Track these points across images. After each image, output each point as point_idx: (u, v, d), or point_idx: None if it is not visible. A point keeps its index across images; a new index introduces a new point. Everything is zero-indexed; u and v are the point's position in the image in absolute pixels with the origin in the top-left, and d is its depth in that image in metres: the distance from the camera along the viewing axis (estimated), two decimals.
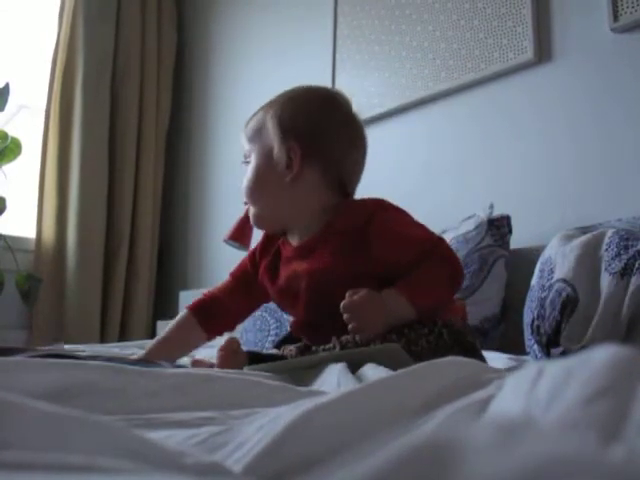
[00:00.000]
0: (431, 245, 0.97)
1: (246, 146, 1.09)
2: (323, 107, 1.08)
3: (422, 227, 1.01)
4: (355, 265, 0.97)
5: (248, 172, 1.07)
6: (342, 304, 0.90)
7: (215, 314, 1.15)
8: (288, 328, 1.67)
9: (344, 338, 0.90)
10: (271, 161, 1.04)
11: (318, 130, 1.04)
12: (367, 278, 0.95)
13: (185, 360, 1.24)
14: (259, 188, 1.06)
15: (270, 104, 1.09)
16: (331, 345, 0.91)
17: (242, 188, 1.08)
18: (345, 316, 0.90)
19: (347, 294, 0.90)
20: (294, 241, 1.07)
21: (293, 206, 1.05)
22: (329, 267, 0.98)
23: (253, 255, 1.16)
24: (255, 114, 1.11)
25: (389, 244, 0.96)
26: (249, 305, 1.19)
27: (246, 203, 1.12)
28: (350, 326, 0.90)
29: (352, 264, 0.97)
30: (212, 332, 1.16)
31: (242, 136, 1.11)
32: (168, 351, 1.11)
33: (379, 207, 1.02)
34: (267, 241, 1.14)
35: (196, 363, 1.05)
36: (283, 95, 1.11)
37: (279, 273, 1.07)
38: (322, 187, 1.04)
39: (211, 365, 1.01)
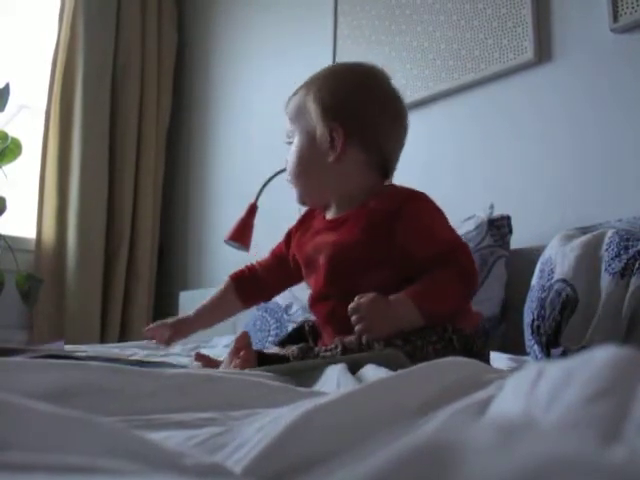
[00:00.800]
0: (451, 248, 0.96)
1: (288, 125, 1.10)
2: (364, 85, 1.08)
3: (451, 230, 1.02)
4: (377, 247, 0.98)
5: (291, 152, 1.09)
6: (350, 306, 0.90)
7: (252, 287, 1.22)
8: (288, 329, 1.68)
9: (347, 340, 0.91)
10: (314, 141, 1.05)
11: (360, 109, 1.05)
12: (385, 264, 0.96)
13: (186, 361, 1.25)
14: (302, 168, 1.08)
15: (310, 82, 1.09)
16: (333, 346, 0.91)
17: (287, 167, 1.10)
18: (353, 318, 0.90)
19: (356, 297, 0.91)
20: (329, 215, 1.10)
21: (336, 185, 1.06)
22: (353, 242, 1.00)
23: (289, 235, 1.20)
24: (295, 93, 1.11)
25: (413, 234, 0.97)
26: (284, 282, 1.24)
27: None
28: (357, 327, 0.90)
29: (375, 245, 0.98)
30: (248, 302, 1.25)
31: (285, 113, 1.11)
32: (210, 315, 1.22)
33: (416, 197, 1.03)
34: (304, 217, 1.18)
35: (199, 358, 1.05)
36: (323, 72, 1.11)
37: (309, 243, 1.10)
38: (364, 167, 1.06)
39: (214, 363, 1.01)
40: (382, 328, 0.89)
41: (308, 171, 1.08)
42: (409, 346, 0.88)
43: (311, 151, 1.06)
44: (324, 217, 1.11)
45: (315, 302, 1.07)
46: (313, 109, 1.05)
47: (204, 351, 1.29)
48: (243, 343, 0.91)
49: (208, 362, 1.03)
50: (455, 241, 0.99)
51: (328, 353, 0.89)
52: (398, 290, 0.93)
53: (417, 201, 1.02)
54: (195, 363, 1.06)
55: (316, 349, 0.93)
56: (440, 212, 1.03)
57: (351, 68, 1.12)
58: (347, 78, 1.08)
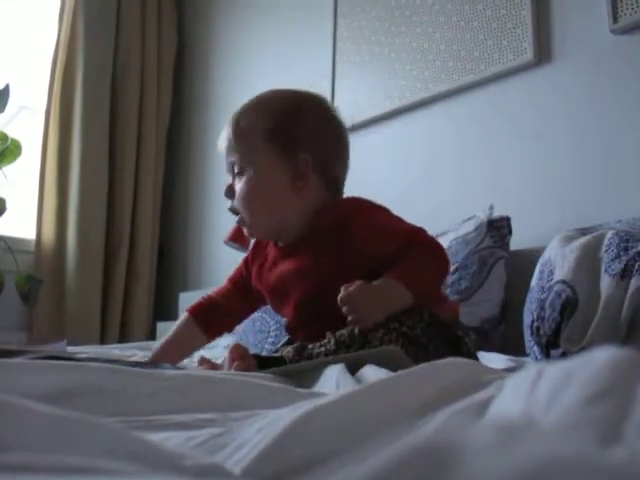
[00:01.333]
0: (413, 234, 0.98)
1: (235, 151, 1.05)
2: (320, 116, 1.08)
3: (400, 220, 1.03)
4: (338, 262, 0.98)
5: (248, 181, 1.04)
6: (339, 297, 0.89)
7: (213, 317, 1.18)
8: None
9: (339, 333, 0.90)
10: (275, 172, 1.03)
11: (322, 143, 1.05)
12: (352, 273, 0.95)
13: (186, 361, 1.24)
14: (262, 202, 1.04)
15: (263, 110, 1.07)
16: (326, 340, 0.90)
17: (238, 199, 1.05)
18: (344, 309, 0.89)
19: (342, 287, 0.90)
20: (281, 242, 1.09)
21: (296, 214, 1.04)
22: (312, 265, 1.00)
23: (246, 261, 1.18)
24: (245, 116, 1.07)
25: (373, 238, 0.97)
26: (246, 308, 1.21)
27: (236, 213, 1.08)
28: (350, 318, 0.89)
29: (335, 261, 0.98)
30: (211, 334, 1.19)
31: (227, 136, 1.07)
32: (172, 354, 1.15)
33: (358, 206, 1.03)
34: (257, 246, 1.16)
35: (204, 362, 1.05)
36: (274, 100, 1.09)
37: (269, 275, 1.08)
38: (323, 191, 1.06)
39: (215, 366, 1.01)
40: (375, 314, 0.89)
41: (268, 204, 1.04)
42: (404, 327, 0.88)
43: (273, 181, 1.03)
44: (275, 245, 1.09)
45: (292, 329, 1.07)
46: (265, 141, 1.03)
47: (204, 353, 1.29)
48: (237, 354, 0.90)
49: (212, 366, 1.03)
50: (412, 227, 1.00)
51: (322, 349, 0.89)
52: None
53: (362, 211, 1.01)
54: (199, 367, 1.06)
55: (309, 347, 0.92)
56: (386, 210, 1.04)
57: (305, 97, 1.11)
58: (305, 108, 1.07)
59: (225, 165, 1.08)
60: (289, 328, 1.08)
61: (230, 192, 1.07)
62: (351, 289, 0.89)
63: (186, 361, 1.26)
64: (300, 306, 1.02)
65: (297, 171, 1.02)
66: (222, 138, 1.08)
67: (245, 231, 1.10)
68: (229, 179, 1.08)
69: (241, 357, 0.89)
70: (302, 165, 1.02)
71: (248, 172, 1.04)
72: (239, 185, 1.05)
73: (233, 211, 1.08)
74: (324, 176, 1.05)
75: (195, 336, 1.17)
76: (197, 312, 1.18)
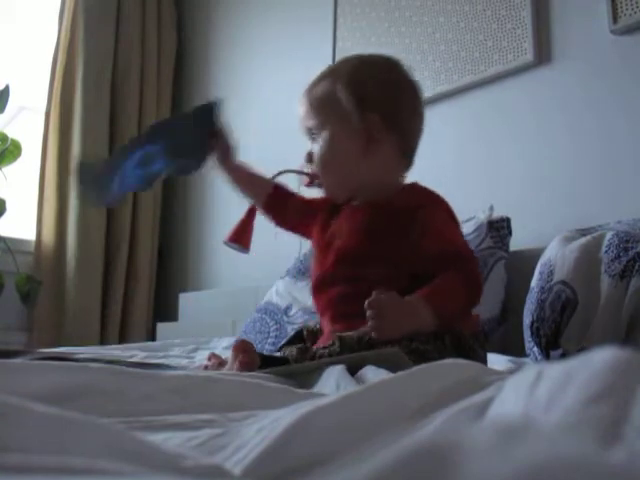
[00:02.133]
0: (457, 251, 0.98)
1: (308, 115, 1.09)
2: (393, 76, 1.09)
3: (461, 238, 1.04)
4: (391, 241, 1.00)
5: (322, 144, 1.07)
6: (368, 300, 0.88)
7: (281, 202, 1.23)
8: (288, 330, 1.68)
9: (347, 335, 0.91)
10: (349, 133, 1.05)
11: (395, 100, 1.06)
12: (393, 258, 0.98)
13: (186, 362, 1.25)
14: (336, 160, 1.07)
15: (336, 72, 1.09)
16: (330, 342, 0.90)
17: (316, 159, 1.08)
18: (368, 313, 0.88)
19: (375, 292, 0.89)
20: (354, 202, 1.11)
21: (368, 177, 1.07)
22: (365, 231, 1.02)
23: (323, 203, 1.18)
24: (317, 82, 1.10)
25: (424, 233, 0.98)
26: (293, 221, 1.24)
27: (315, 177, 1.11)
28: (370, 323, 0.88)
29: (390, 239, 1.00)
30: (268, 208, 1.25)
31: (304, 105, 1.10)
32: (250, 176, 1.26)
33: (436, 202, 1.05)
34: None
35: (213, 357, 1.07)
36: (348, 64, 1.12)
37: (331, 223, 1.11)
38: (396, 158, 1.08)
39: (223, 361, 1.02)
40: (392, 331, 0.88)
41: (341, 165, 1.07)
42: (414, 343, 0.88)
43: (346, 142, 1.05)
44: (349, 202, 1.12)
45: (319, 286, 1.08)
46: (347, 100, 1.04)
47: (204, 353, 1.30)
48: (242, 348, 0.91)
49: (220, 361, 1.04)
50: (463, 247, 1.01)
51: (326, 351, 0.89)
52: (402, 285, 0.94)
53: (436, 206, 1.04)
54: (206, 362, 1.07)
55: (313, 349, 0.92)
56: (456, 222, 1.05)
57: (375, 60, 1.14)
58: (376, 69, 1.09)
59: (304, 132, 1.12)
60: (317, 282, 1.09)
61: (308, 156, 1.10)
62: (382, 296, 0.88)
63: (186, 362, 1.26)
64: (339, 262, 1.04)
65: (368, 133, 1.04)
66: (300, 108, 1.11)
67: (323, 191, 1.12)
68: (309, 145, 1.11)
69: (245, 351, 0.89)
70: (373, 127, 1.03)
71: (323, 137, 1.07)
72: (316, 149, 1.08)
73: (313, 176, 1.11)
74: (400, 135, 1.06)
75: (262, 192, 1.24)
76: (278, 189, 1.24)
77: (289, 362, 0.89)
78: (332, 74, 1.09)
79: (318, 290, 1.08)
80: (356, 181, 1.08)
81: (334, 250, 1.05)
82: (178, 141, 1.17)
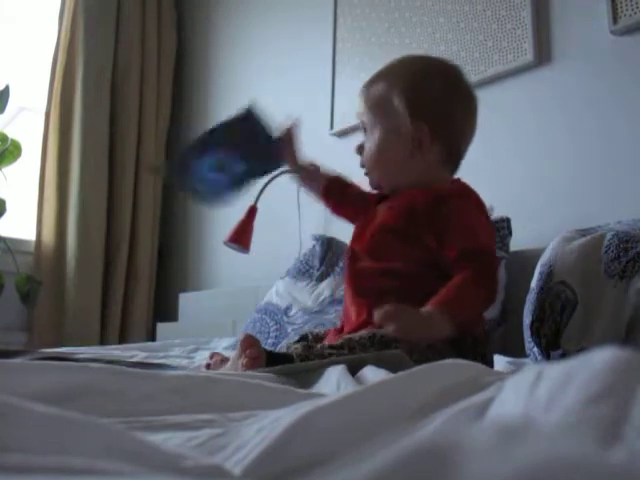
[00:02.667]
0: (478, 247, 0.99)
1: (364, 111, 1.15)
2: (448, 86, 1.12)
3: (487, 235, 1.05)
4: (415, 228, 1.04)
5: (373, 141, 1.13)
6: (383, 310, 0.86)
7: (339, 190, 1.29)
8: (288, 330, 1.68)
9: (357, 335, 0.92)
10: (398, 136, 1.10)
11: (447, 112, 1.11)
12: (418, 246, 1.03)
13: (186, 362, 1.24)
14: (383, 161, 1.14)
15: (394, 75, 1.14)
16: (339, 343, 0.91)
17: (365, 157, 1.15)
18: (378, 316, 0.86)
19: (391, 304, 0.87)
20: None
21: (413, 176, 1.11)
22: (398, 217, 1.08)
23: (375, 195, 1.23)
24: (376, 82, 1.15)
25: (450, 225, 1.01)
26: (351, 211, 1.28)
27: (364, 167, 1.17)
28: (389, 328, 0.86)
29: (414, 226, 1.04)
30: (327, 195, 1.30)
31: (361, 100, 1.16)
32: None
33: (463, 194, 1.08)
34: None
35: (214, 355, 1.08)
36: (406, 66, 1.17)
37: (376, 208, 1.16)
38: (441, 165, 1.12)
39: (225, 359, 1.02)
40: (409, 334, 0.88)
41: (388, 164, 1.13)
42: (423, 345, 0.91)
43: (394, 146, 1.11)
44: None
45: (351, 262, 1.14)
46: (400, 106, 1.09)
47: (204, 353, 1.30)
48: (248, 343, 0.91)
49: (222, 359, 1.04)
50: (485, 243, 1.02)
51: (334, 351, 0.89)
52: (424, 274, 1.00)
53: (464, 198, 1.07)
54: (207, 360, 1.08)
55: (319, 346, 0.93)
56: (483, 214, 1.08)
57: (435, 64, 1.17)
58: (434, 76, 1.13)
59: (360, 125, 1.19)
60: (352, 253, 1.14)
61: (358, 148, 1.18)
62: (399, 310, 0.86)
63: (186, 362, 1.26)
64: (372, 241, 1.09)
65: (416, 138, 1.08)
66: (359, 102, 1.18)
67: (369, 181, 1.19)
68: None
69: (252, 345, 0.90)
70: (422, 135, 1.08)
71: (375, 134, 1.13)
72: (367, 144, 1.15)
73: (362, 166, 1.19)
74: (445, 146, 1.11)
75: (322, 174, 1.30)
76: (336, 180, 1.30)
77: (293, 359, 0.89)
78: (391, 76, 1.14)
79: (351, 261, 1.13)
80: (400, 179, 1.13)
81: (374, 225, 1.11)
82: (245, 144, 1.23)
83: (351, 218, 1.29)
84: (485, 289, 0.97)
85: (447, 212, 1.02)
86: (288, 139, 1.25)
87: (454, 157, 1.15)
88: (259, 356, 0.88)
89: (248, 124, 1.22)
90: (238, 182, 1.24)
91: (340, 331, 1.08)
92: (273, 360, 0.88)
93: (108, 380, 0.51)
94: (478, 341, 0.99)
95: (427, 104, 1.09)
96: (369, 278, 1.07)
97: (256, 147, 1.24)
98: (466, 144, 1.16)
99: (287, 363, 0.86)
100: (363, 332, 0.94)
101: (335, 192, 1.29)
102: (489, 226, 1.09)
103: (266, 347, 1.50)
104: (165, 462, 0.29)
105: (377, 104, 1.13)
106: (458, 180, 1.15)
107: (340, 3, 2.39)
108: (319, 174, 1.30)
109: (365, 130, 1.17)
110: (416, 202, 1.06)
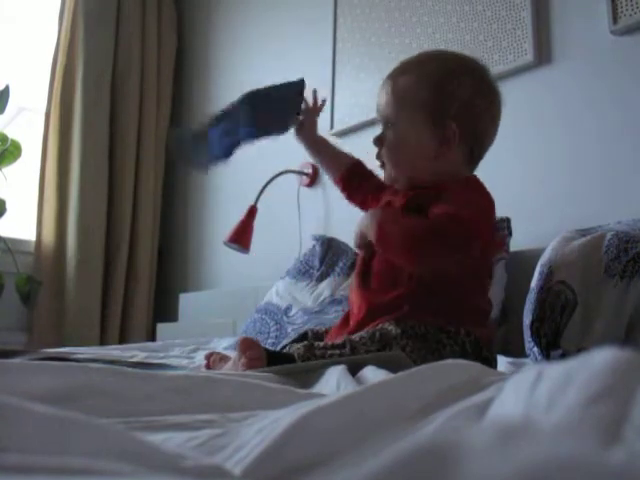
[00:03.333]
0: (455, 214, 0.96)
1: (391, 107, 1.11)
2: (478, 86, 1.10)
3: (478, 210, 1.01)
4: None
5: (397, 134, 1.10)
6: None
7: (359, 175, 1.31)
8: (288, 330, 1.68)
9: (357, 336, 0.93)
10: (423, 134, 1.08)
11: (473, 112, 1.08)
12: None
13: (185, 362, 1.24)
14: (405, 155, 1.11)
15: (423, 70, 1.11)
16: (341, 343, 0.91)
17: (386, 149, 1.12)
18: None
19: None
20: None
21: (433, 174, 1.09)
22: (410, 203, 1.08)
23: (383, 186, 1.23)
24: (402, 74, 1.12)
25: (441, 201, 1.01)
26: (364, 199, 1.29)
27: (380, 159, 1.16)
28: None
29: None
30: (344, 181, 1.31)
31: (386, 92, 1.12)
32: (330, 149, 1.36)
33: (466, 183, 1.07)
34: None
35: (213, 354, 1.08)
36: (436, 63, 1.12)
37: (388, 199, 1.16)
38: (464, 162, 1.11)
39: (224, 357, 1.02)
40: (368, 232, 1.01)
41: (411, 160, 1.10)
42: (424, 348, 0.91)
43: (420, 142, 1.08)
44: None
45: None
46: (430, 103, 1.07)
47: (204, 353, 1.30)
48: (247, 344, 0.91)
49: (220, 357, 1.04)
50: (469, 216, 0.96)
51: (337, 351, 0.90)
52: None
53: (463, 186, 1.05)
54: (205, 362, 1.08)
55: (320, 344, 0.93)
56: (482, 195, 1.05)
57: (465, 64, 1.13)
58: (465, 75, 1.09)
59: (379, 117, 1.16)
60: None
61: (377, 139, 1.14)
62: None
63: (186, 362, 1.26)
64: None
65: (444, 138, 1.06)
66: (381, 90, 1.14)
67: (384, 174, 1.17)
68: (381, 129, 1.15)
69: (251, 348, 0.89)
70: (450, 134, 1.06)
71: (399, 128, 1.10)
72: (389, 137, 1.11)
73: (378, 158, 1.15)
74: (469, 146, 1.09)
75: (343, 159, 1.33)
76: (359, 164, 1.33)
77: (294, 359, 0.89)
78: (420, 69, 1.11)
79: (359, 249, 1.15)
80: (421, 176, 1.11)
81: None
82: (268, 109, 1.26)
83: (365, 207, 1.29)
84: (439, 242, 0.94)
85: (445, 195, 1.01)
86: (312, 110, 1.29)
87: (476, 157, 1.13)
88: (259, 357, 0.88)
89: (285, 91, 1.27)
90: (230, 148, 1.25)
91: (345, 320, 1.08)
92: (274, 360, 0.88)
93: (108, 380, 0.51)
94: (479, 344, 0.98)
95: (458, 105, 1.06)
96: (377, 268, 1.07)
97: (275, 112, 1.27)
98: (489, 145, 1.14)
99: (288, 363, 0.86)
100: (362, 333, 0.94)
101: (355, 178, 1.29)
102: (485, 207, 1.04)
103: (266, 346, 1.50)
104: (165, 462, 0.29)
105: (405, 97, 1.09)
106: (473, 176, 1.12)
107: (340, 3, 2.39)
108: (339, 153, 1.33)
109: (386, 122, 1.12)
110: (423, 198, 1.06)
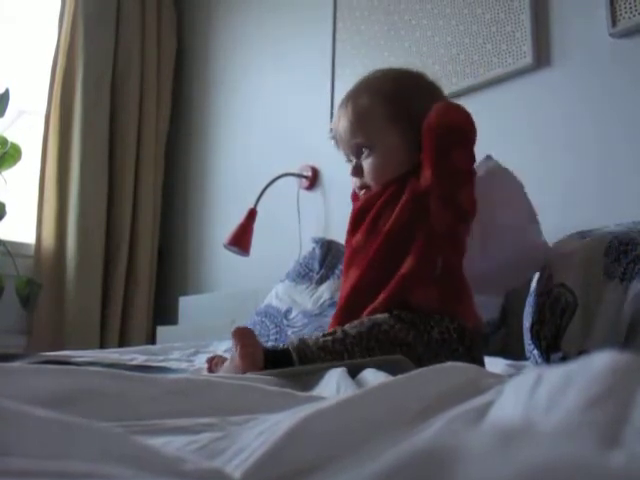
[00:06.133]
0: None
1: (358, 134, 1.13)
2: (419, 88, 1.17)
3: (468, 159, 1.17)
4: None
5: (377, 160, 1.12)
6: None
7: None
8: (288, 333, 1.68)
9: (348, 325, 0.95)
10: (403, 148, 1.11)
11: (421, 112, 1.11)
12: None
13: (185, 365, 1.24)
14: (393, 171, 1.12)
15: (362, 97, 1.14)
16: (332, 330, 0.95)
17: (371, 174, 1.13)
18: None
19: None
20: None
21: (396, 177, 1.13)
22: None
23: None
24: (357, 98, 1.14)
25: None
26: None
27: (366, 187, 1.16)
28: None
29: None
30: None
31: (347, 122, 1.14)
32: None
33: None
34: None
35: (215, 357, 1.08)
36: (382, 80, 1.16)
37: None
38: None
39: (225, 360, 1.02)
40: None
41: (397, 171, 1.12)
42: (412, 332, 0.93)
43: (401, 158, 1.12)
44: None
45: (357, 251, 1.14)
46: (387, 120, 1.11)
47: (204, 356, 1.30)
48: (241, 332, 0.93)
49: (221, 361, 1.04)
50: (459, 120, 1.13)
51: (329, 337, 0.92)
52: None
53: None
54: (207, 365, 1.08)
55: (314, 335, 0.94)
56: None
57: (394, 76, 1.18)
58: (401, 85, 1.15)
59: (346, 147, 1.16)
60: (348, 248, 1.16)
61: (357, 170, 1.15)
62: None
63: (186, 365, 1.26)
64: (366, 232, 1.11)
65: (413, 142, 1.10)
66: (339, 121, 1.16)
67: (359, 189, 1.18)
68: (353, 161, 1.16)
69: (244, 335, 0.92)
70: (413, 137, 1.10)
71: (377, 150, 1.12)
72: (368, 162, 1.13)
73: (363, 187, 1.16)
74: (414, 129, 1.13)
75: None
76: None
77: (290, 355, 0.90)
78: (373, 90, 1.14)
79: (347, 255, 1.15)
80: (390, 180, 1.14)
81: (368, 221, 1.12)
82: None
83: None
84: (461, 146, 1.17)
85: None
86: None
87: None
88: (253, 343, 0.90)
89: None
90: None
91: (340, 309, 1.10)
92: (273, 359, 0.88)
93: (107, 384, 0.51)
94: (466, 332, 0.99)
95: (420, 114, 1.09)
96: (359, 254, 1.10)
97: None
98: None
99: (285, 361, 0.87)
100: (355, 322, 0.95)
101: None
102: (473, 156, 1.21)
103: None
104: (165, 466, 0.29)
105: (372, 122, 1.13)
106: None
107: (340, 5, 2.39)
108: None
109: (359, 149, 1.14)
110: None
